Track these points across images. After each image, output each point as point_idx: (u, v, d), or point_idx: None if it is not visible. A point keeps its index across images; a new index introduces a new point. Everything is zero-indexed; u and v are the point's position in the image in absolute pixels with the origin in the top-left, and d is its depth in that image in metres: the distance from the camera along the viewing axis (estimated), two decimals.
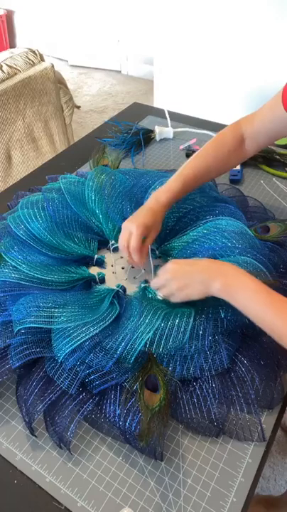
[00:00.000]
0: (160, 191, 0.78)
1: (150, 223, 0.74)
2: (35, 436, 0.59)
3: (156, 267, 0.80)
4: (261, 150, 1.11)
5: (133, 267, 0.82)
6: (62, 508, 0.53)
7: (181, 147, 1.19)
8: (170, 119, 1.26)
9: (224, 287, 0.60)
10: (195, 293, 0.63)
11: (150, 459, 0.57)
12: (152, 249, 0.84)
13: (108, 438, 0.59)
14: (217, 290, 0.60)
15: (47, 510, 0.53)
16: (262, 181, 1.07)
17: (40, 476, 0.56)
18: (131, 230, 0.73)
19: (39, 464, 0.57)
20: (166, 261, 0.81)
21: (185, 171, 0.79)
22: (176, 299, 0.66)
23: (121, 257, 0.84)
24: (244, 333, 0.65)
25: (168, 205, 0.77)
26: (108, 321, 0.64)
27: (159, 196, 0.77)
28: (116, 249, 0.84)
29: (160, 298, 0.70)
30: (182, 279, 0.64)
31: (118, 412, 0.58)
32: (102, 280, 0.78)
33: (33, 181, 1.06)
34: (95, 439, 0.59)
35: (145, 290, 0.74)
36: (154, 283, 0.69)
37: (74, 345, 0.61)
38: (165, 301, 0.70)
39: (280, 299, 0.57)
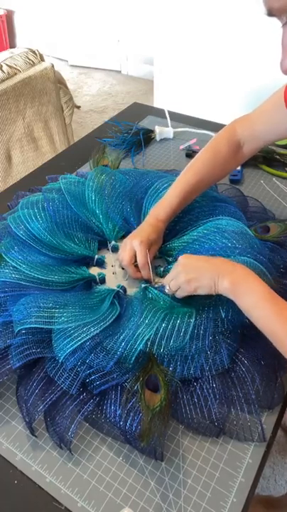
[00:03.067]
0: (158, 207, 0.78)
1: (153, 238, 0.75)
2: (36, 436, 0.59)
3: (156, 267, 0.80)
4: (261, 150, 1.11)
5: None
6: (63, 508, 0.53)
7: (181, 147, 1.19)
8: (170, 119, 1.26)
9: (232, 286, 0.60)
10: (202, 288, 0.63)
11: (150, 459, 0.57)
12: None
13: (108, 438, 0.59)
14: (225, 288, 0.60)
15: (47, 510, 0.53)
16: (262, 181, 1.07)
17: (41, 476, 0.56)
18: (135, 247, 0.74)
19: (39, 464, 0.57)
20: (166, 261, 0.81)
21: (182, 184, 0.79)
22: (183, 292, 0.66)
23: None
24: (245, 334, 0.65)
25: (167, 220, 0.78)
26: (108, 321, 0.64)
27: (158, 213, 0.78)
28: (116, 250, 0.84)
29: (167, 293, 0.69)
30: (191, 272, 0.64)
31: (118, 412, 0.58)
32: (102, 280, 0.78)
33: (33, 181, 1.06)
34: (95, 439, 0.59)
35: (145, 290, 0.74)
36: (167, 278, 0.69)
37: (75, 345, 0.61)
38: (169, 299, 0.70)
39: (285, 305, 0.57)
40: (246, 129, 0.78)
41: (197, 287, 0.63)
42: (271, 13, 0.46)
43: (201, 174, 0.79)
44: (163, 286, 0.71)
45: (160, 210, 0.78)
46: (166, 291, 0.69)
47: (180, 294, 0.67)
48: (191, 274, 0.64)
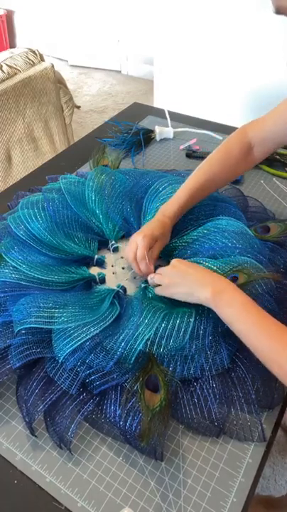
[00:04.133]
0: (166, 204, 0.79)
1: (157, 233, 0.75)
2: (36, 436, 0.59)
3: (156, 267, 0.80)
4: None
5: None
6: (62, 508, 0.53)
7: (181, 147, 1.19)
8: (170, 119, 1.26)
9: (213, 296, 0.60)
10: (179, 292, 0.65)
11: (150, 459, 0.57)
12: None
13: (108, 438, 0.59)
14: (205, 298, 0.61)
15: (47, 510, 0.53)
16: (262, 181, 1.07)
17: (41, 476, 0.56)
18: (138, 242, 0.74)
19: (39, 464, 0.57)
20: (167, 261, 0.81)
21: (191, 183, 0.79)
22: (160, 292, 0.68)
23: (122, 257, 0.84)
24: None
25: (175, 217, 0.78)
26: (108, 321, 0.64)
27: (166, 209, 0.79)
28: (116, 250, 0.84)
29: (149, 282, 0.72)
30: (175, 276, 0.66)
31: (118, 412, 0.58)
32: (102, 280, 0.78)
33: (32, 181, 1.06)
34: (95, 439, 0.59)
35: (145, 290, 0.74)
36: (157, 271, 0.71)
37: (75, 345, 0.61)
38: (161, 297, 0.70)
39: (267, 318, 0.57)
40: (257, 132, 0.79)
41: (174, 293, 0.66)
42: (279, 11, 0.46)
43: (211, 174, 0.80)
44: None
45: (167, 207, 0.79)
46: (149, 279, 0.71)
47: (157, 292, 0.69)
48: (174, 278, 0.66)
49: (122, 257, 0.84)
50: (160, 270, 0.71)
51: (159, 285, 0.69)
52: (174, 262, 0.68)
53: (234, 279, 0.67)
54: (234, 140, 0.80)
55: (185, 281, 0.65)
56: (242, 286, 0.64)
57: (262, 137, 0.78)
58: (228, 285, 0.61)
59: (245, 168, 0.84)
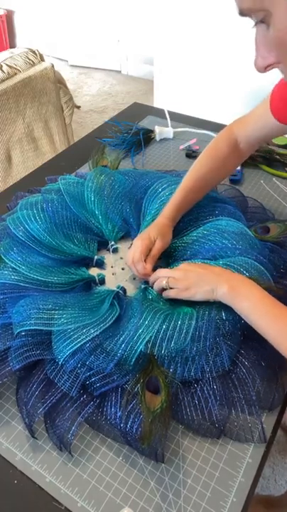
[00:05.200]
0: (165, 206, 0.82)
1: (153, 234, 0.76)
2: (36, 438, 0.59)
3: (156, 268, 0.79)
4: (261, 150, 1.11)
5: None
6: (62, 508, 0.53)
7: (181, 147, 1.19)
8: (170, 119, 1.26)
9: (230, 292, 0.62)
10: (200, 292, 0.65)
11: (150, 459, 0.57)
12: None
13: (108, 438, 0.59)
14: (223, 294, 0.63)
15: (47, 510, 0.53)
16: (262, 181, 1.06)
17: (40, 476, 0.56)
18: (134, 245, 0.76)
19: (39, 464, 0.57)
20: (167, 262, 0.81)
21: (185, 183, 0.82)
22: (178, 295, 0.68)
23: (121, 258, 0.84)
24: (245, 335, 0.65)
25: (172, 217, 0.80)
26: (108, 322, 0.64)
27: (164, 211, 0.81)
28: (115, 250, 0.84)
29: (157, 285, 0.71)
30: (191, 278, 0.67)
31: (119, 414, 0.58)
32: (102, 281, 0.78)
33: (32, 182, 1.06)
34: (95, 439, 0.59)
35: (145, 291, 0.74)
36: (163, 272, 0.71)
37: (75, 347, 0.60)
38: (163, 300, 0.70)
39: (283, 309, 0.58)
40: (241, 131, 0.82)
41: (195, 293, 0.66)
42: (242, 13, 0.47)
43: (203, 172, 0.82)
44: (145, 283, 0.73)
45: (165, 208, 0.81)
46: (160, 285, 0.69)
47: (170, 295, 0.69)
48: (190, 280, 0.67)
49: (122, 258, 0.84)
50: (167, 273, 0.70)
51: (170, 288, 0.69)
52: (183, 266, 0.70)
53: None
54: (221, 139, 0.84)
55: (204, 280, 0.65)
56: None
57: (246, 135, 0.82)
58: (243, 280, 0.64)
59: (236, 163, 0.87)
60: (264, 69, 0.54)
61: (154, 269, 0.75)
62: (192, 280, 0.66)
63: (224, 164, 0.84)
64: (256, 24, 0.48)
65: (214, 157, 0.83)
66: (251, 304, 0.60)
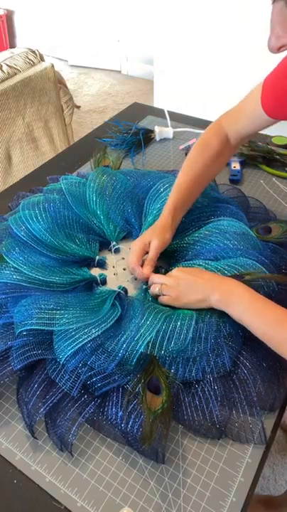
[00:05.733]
0: (163, 209, 0.81)
1: (147, 236, 0.76)
2: (36, 438, 0.59)
3: (158, 269, 0.80)
4: (261, 150, 1.11)
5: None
6: (62, 507, 0.53)
7: (181, 147, 1.19)
8: (170, 119, 1.26)
9: (222, 298, 0.63)
10: (192, 301, 0.66)
11: (150, 459, 0.57)
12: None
13: (108, 438, 0.59)
14: (216, 301, 0.64)
15: (46, 510, 0.53)
16: (262, 181, 1.07)
17: (40, 475, 0.56)
18: (131, 249, 0.76)
19: (39, 463, 0.57)
20: (168, 263, 0.81)
21: (179, 181, 0.81)
22: (172, 303, 0.68)
23: (123, 259, 0.84)
24: (247, 336, 0.65)
25: (168, 215, 0.78)
26: (110, 322, 0.64)
27: (162, 214, 0.80)
28: (117, 251, 0.84)
29: (151, 291, 0.71)
30: (183, 286, 0.67)
31: (120, 414, 0.58)
32: (104, 281, 0.78)
33: (33, 181, 1.06)
34: (95, 439, 0.59)
35: (146, 291, 0.74)
36: (157, 277, 0.71)
37: (76, 347, 0.60)
38: (158, 301, 0.71)
39: (274, 307, 0.59)
40: (230, 125, 0.81)
41: (188, 302, 0.67)
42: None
43: (195, 170, 0.81)
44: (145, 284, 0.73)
45: (164, 211, 0.80)
46: (154, 291, 0.70)
47: (163, 301, 0.69)
48: (182, 287, 0.67)
49: (123, 258, 0.84)
50: (160, 279, 0.70)
51: (163, 294, 0.70)
52: (175, 272, 0.69)
53: (239, 278, 0.68)
54: (210, 134, 0.83)
55: (195, 288, 0.66)
56: (247, 283, 0.66)
57: (236, 130, 0.81)
58: (233, 284, 0.64)
59: (227, 156, 0.87)
60: (277, 49, 0.53)
61: (156, 270, 0.75)
62: (182, 289, 0.67)
63: (216, 160, 0.83)
64: (273, 2, 0.47)
65: (205, 154, 0.82)
66: (243, 307, 0.61)
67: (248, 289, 0.62)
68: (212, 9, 1.89)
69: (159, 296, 0.70)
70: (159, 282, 0.70)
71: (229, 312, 0.63)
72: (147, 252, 0.76)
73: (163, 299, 0.69)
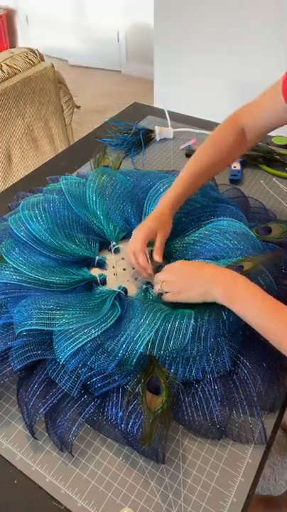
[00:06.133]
0: (163, 195, 0.80)
1: (154, 225, 0.75)
2: (36, 438, 0.59)
3: (158, 268, 0.80)
4: (261, 150, 1.11)
5: (134, 268, 0.82)
6: (62, 508, 0.53)
7: (181, 147, 1.19)
8: (170, 119, 1.26)
9: (225, 293, 0.62)
10: (194, 295, 0.65)
11: (150, 459, 0.57)
12: (153, 251, 0.84)
13: (108, 438, 0.59)
14: (217, 295, 0.62)
15: (47, 510, 0.53)
16: (262, 181, 1.07)
17: (40, 476, 0.56)
18: (133, 235, 0.75)
19: (39, 464, 0.57)
20: (168, 262, 0.80)
21: (186, 171, 0.80)
22: (174, 298, 0.67)
23: (123, 259, 0.84)
24: (247, 335, 0.65)
25: (171, 205, 0.78)
26: (109, 322, 0.64)
27: (162, 199, 0.79)
28: (117, 251, 0.84)
29: (155, 291, 0.71)
30: (185, 281, 0.66)
31: (120, 414, 0.58)
32: (103, 282, 0.78)
33: (33, 182, 1.06)
34: (95, 439, 0.60)
35: (146, 291, 0.74)
36: (158, 276, 0.70)
37: (76, 347, 0.60)
38: (162, 300, 0.70)
39: (276, 304, 0.58)
40: (248, 119, 0.79)
41: (189, 296, 0.65)
42: None
43: (204, 161, 0.80)
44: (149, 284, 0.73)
45: (164, 196, 0.80)
46: (156, 290, 0.70)
47: (168, 299, 0.68)
48: (184, 282, 0.66)
49: (123, 259, 0.84)
50: (160, 275, 0.70)
51: (165, 292, 0.69)
52: (178, 264, 0.69)
53: (240, 268, 0.68)
54: (226, 127, 0.81)
55: (197, 282, 0.65)
56: (249, 272, 0.66)
57: (254, 124, 0.79)
58: (236, 279, 0.62)
59: (238, 153, 0.86)
60: None
61: (157, 270, 0.75)
62: (184, 282, 0.66)
63: (229, 154, 0.82)
64: None
65: (218, 146, 0.81)
66: (244, 302, 0.60)
67: (250, 282, 0.61)
68: (212, 9, 1.89)
69: (162, 294, 0.69)
70: (160, 280, 0.69)
71: (232, 308, 0.61)
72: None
73: (166, 297, 0.69)
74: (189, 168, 0.80)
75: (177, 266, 0.69)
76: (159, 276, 0.70)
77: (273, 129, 0.80)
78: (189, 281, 0.66)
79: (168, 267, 0.70)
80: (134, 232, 0.77)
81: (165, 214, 0.77)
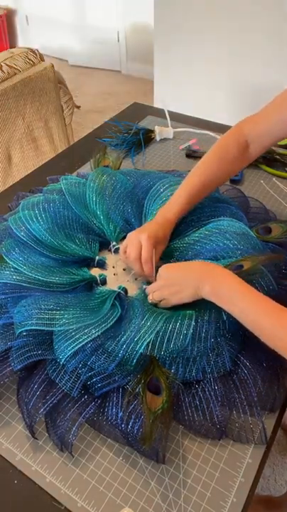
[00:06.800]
0: (166, 207, 0.79)
1: (160, 236, 0.76)
2: (36, 438, 0.59)
3: (157, 268, 0.79)
4: None
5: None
6: (62, 508, 0.53)
7: (181, 147, 1.19)
8: (170, 119, 1.26)
9: (212, 289, 0.61)
10: (186, 296, 0.65)
11: (150, 459, 0.57)
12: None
13: (108, 438, 0.59)
14: (207, 293, 0.62)
15: (47, 510, 0.53)
16: (262, 181, 1.07)
17: (41, 476, 0.56)
18: (142, 241, 0.73)
19: (39, 464, 0.57)
20: (167, 262, 0.80)
21: (189, 184, 0.79)
22: (168, 303, 0.68)
23: None
24: (247, 335, 0.65)
25: (175, 220, 0.79)
26: (110, 323, 0.64)
27: (166, 212, 0.79)
28: (117, 251, 0.84)
29: (150, 302, 0.70)
30: (173, 285, 0.66)
31: (120, 414, 0.58)
32: (103, 282, 0.78)
33: (33, 181, 1.06)
34: (95, 439, 0.59)
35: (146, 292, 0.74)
36: (151, 288, 0.71)
37: (76, 347, 0.60)
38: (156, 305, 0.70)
39: (263, 298, 0.58)
40: (253, 130, 0.79)
41: (182, 298, 0.65)
42: None
43: (208, 174, 0.80)
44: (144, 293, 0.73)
45: (168, 209, 0.79)
46: (149, 300, 0.70)
47: (164, 305, 0.69)
48: (173, 286, 0.66)
49: None
50: (152, 286, 0.71)
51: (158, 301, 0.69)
52: (162, 271, 0.69)
53: (239, 268, 0.67)
54: (230, 139, 0.81)
55: (185, 283, 0.65)
56: (249, 271, 0.65)
57: (258, 135, 0.79)
58: (223, 275, 0.62)
59: (242, 165, 0.85)
60: None
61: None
62: (173, 287, 0.66)
63: (232, 168, 0.82)
64: None
65: (222, 158, 0.80)
66: (231, 297, 0.59)
67: (237, 278, 0.60)
68: (212, 9, 1.89)
69: (160, 303, 0.70)
70: (151, 291, 0.70)
71: (220, 304, 0.61)
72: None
73: (160, 305, 0.69)
74: (194, 180, 0.79)
75: (163, 272, 0.69)
76: (150, 288, 0.71)
77: (277, 141, 0.78)
78: (177, 284, 0.66)
79: (157, 276, 0.70)
80: (140, 236, 0.74)
81: (167, 228, 0.77)
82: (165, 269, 0.69)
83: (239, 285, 0.60)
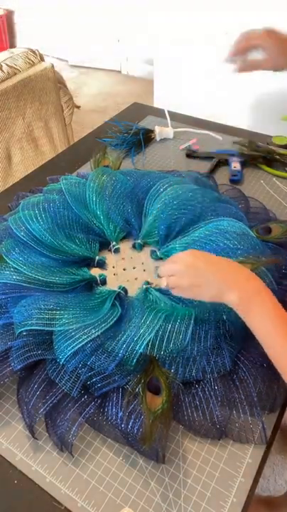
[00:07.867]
0: None
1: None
2: (36, 438, 0.59)
3: (157, 268, 0.80)
4: (261, 150, 1.11)
5: (134, 268, 0.82)
6: (62, 508, 0.53)
7: (181, 147, 1.19)
8: (170, 119, 1.26)
9: (242, 302, 0.55)
10: (206, 295, 0.58)
11: (150, 459, 0.57)
12: (153, 251, 0.84)
13: (108, 438, 0.59)
14: (233, 302, 0.56)
15: (47, 510, 0.53)
16: (262, 181, 1.07)
17: (41, 476, 0.56)
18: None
19: (39, 464, 0.57)
20: None
21: None
22: (181, 294, 0.61)
23: (123, 259, 0.84)
24: (247, 335, 0.65)
25: None
26: (109, 322, 0.64)
27: None
28: (117, 251, 0.84)
29: (163, 287, 0.62)
30: (195, 276, 0.57)
31: (120, 414, 0.58)
32: (103, 282, 0.78)
33: (33, 181, 1.06)
34: (95, 439, 0.60)
35: (146, 291, 0.74)
36: (164, 270, 0.61)
37: (76, 347, 0.61)
38: (170, 301, 0.69)
39: None
40: None
41: (200, 295, 0.59)
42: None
43: None
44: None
45: None
46: (163, 286, 0.62)
47: (175, 293, 0.62)
48: (195, 278, 0.58)
49: (123, 259, 0.84)
50: (167, 267, 0.61)
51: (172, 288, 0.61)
52: (185, 255, 0.59)
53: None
54: None
55: (210, 280, 0.57)
56: None
57: None
58: (258, 289, 0.55)
59: None
60: None
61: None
62: (195, 278, 0.57)
63: None
64: None
65: None
66: (262, 321, 0.55)
67: (272, 297, 0.54)
68: (212, 9, 1.89)
69: (172, 289, 0.62)
70: (166, 274, 0.60)
71: (245, 320, 0.56)
72: None
73: (173, 291, 0.61)
74: None
75: (187, 256, 0.59)
76: (165, 269, 0.61)
77: None
78: (200, 276, 0.57)
79: (175, 257, 0.61)
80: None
81: None
82: (192, 254, 0.59)
83: (272, 307, 0.54)
